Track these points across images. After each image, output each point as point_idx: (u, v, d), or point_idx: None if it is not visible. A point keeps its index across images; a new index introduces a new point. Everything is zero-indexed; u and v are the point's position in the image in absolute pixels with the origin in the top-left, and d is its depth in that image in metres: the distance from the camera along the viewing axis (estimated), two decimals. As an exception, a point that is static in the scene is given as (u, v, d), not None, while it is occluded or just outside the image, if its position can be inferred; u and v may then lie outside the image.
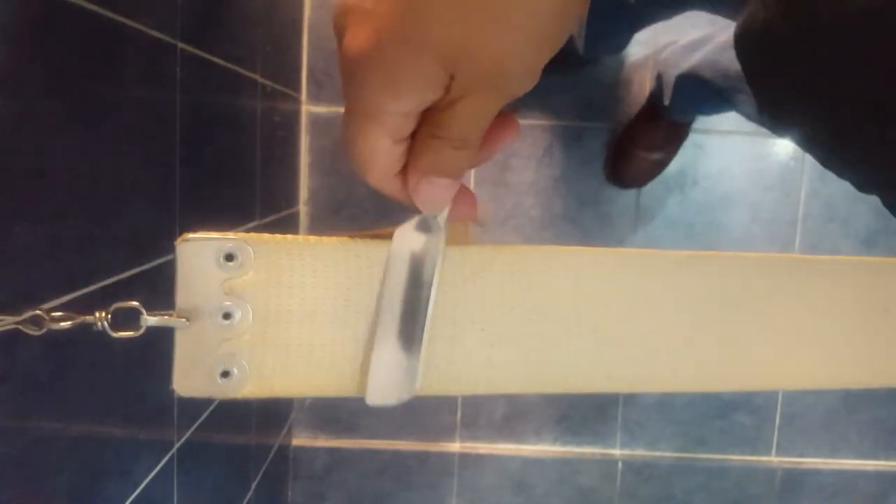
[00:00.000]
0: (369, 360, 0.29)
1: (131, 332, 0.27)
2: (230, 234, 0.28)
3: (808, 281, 0.32)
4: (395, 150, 0.27)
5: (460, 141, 0.26)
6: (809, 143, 0.31)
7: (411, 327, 0.29)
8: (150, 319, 0.27)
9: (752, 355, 0.31)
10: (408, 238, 0.29)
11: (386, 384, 0.29)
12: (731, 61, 0.86)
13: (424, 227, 0.29)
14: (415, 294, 0.29)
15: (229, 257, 0.28)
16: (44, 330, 0.27)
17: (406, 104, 0.25)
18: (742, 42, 0.28)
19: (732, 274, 0.31)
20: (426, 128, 0.26)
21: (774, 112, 0.31)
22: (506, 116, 0.29)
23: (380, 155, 0.27)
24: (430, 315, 0.30)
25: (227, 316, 0.28)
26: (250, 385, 0.28)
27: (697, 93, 1.02)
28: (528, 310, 0.30)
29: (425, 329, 0.30)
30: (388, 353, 0.29)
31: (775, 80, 0.29)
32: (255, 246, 0.28)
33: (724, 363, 0.31)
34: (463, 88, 0.25)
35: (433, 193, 0.28)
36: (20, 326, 0.27)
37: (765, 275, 0.31)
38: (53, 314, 0.27)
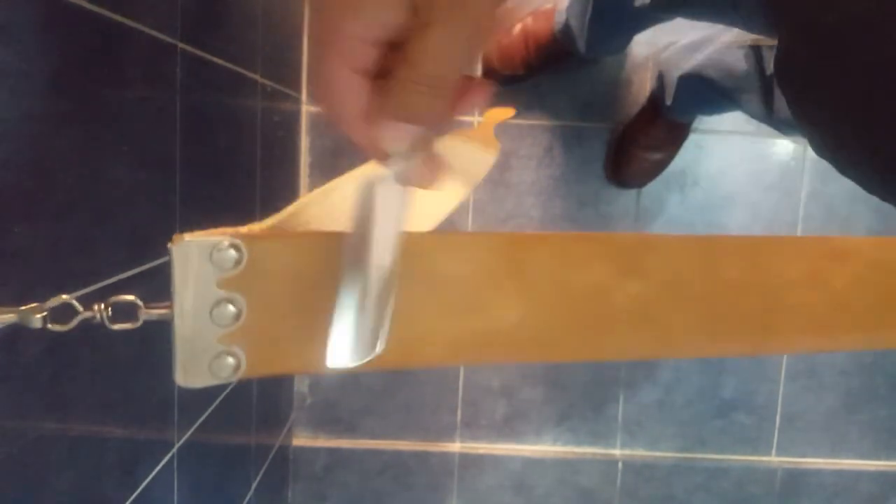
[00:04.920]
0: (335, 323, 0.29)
1: (129, 324, 0.29)
2: (220, 234, 0.29)
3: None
4: (355, 84, 0.26)
5: (433, 79, 0.25)
6: (828, 146, 0.32)
7: (363, 284, 0.28)
8: (147, 313, 0.29)
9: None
10: (374, 182, 0.28)
11: (343, 344, 0.29)
12: (736, 60, 0.86)
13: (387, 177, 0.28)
14: (363, 248, 0.28)
15: (222, 254, 0.29)
16: (44, 320, 0.28)
17: (363, 25, 0.24)
18: (781, 72, 0.29)
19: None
20: (398, 70, 0.25)
21: (807, 119, 0.32)
22: (478, 80, 0.28)
23: (340, 87, 0.25)
24: (380, 275, 0.28)
25: (222, 310, 0.29)
26: (247, 370, 0.30)
27: (701, 92, 1.02)
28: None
29: (375, 287, 0.28)
30: (347, 311, 0.28)
31: (808, 95, 0.30)
32: (247, 242, 0.29)
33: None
34: (428, 13, 0.24)
35: (395, 138, 0.26)
36: (19, 321, 0.28)
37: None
38: (53, 306, 0.28)
